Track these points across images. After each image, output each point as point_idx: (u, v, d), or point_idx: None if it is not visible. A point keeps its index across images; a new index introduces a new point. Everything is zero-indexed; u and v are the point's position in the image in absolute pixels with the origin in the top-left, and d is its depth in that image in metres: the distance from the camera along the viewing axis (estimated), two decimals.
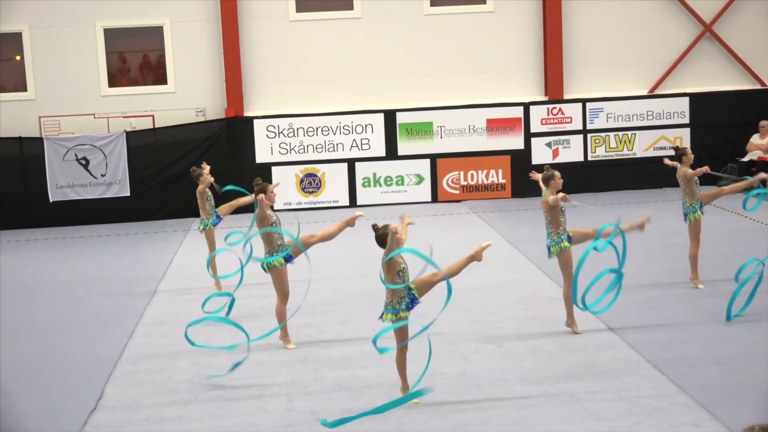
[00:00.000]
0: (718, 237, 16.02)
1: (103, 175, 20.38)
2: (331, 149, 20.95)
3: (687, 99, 21.32)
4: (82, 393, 9.77)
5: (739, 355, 9.91)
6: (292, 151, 20.83)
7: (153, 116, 20.83)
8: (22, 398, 9.72)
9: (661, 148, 21.35)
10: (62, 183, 20.38)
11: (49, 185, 20.33)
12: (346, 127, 20.93)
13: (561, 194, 10.67)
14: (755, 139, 20.82)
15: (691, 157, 12.95)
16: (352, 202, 20.84)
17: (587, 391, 9.09)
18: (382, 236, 8.81)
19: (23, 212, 20.30)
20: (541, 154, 21.11)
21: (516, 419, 8.52)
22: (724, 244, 15.38)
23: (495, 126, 21.07)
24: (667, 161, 13.83)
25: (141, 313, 12.89)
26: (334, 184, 20.93)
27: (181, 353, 10.99)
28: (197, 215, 20.44)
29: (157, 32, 21.00)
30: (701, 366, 9.65)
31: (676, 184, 20.94)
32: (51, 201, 20.34)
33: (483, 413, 8.69)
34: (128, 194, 20.52)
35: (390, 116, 20.90)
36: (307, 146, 20.90)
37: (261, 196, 10.79)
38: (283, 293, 10.96)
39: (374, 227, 8.95)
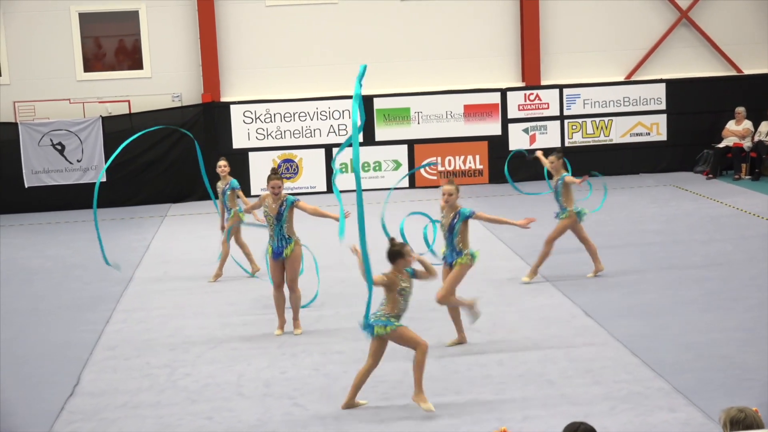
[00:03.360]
0: (694, 223, 16.12)
1: (78, 161, 20.25)
2: (308, 135, 20.90)
3: (663, 85, 21.40)
4: (59, 379, 9.74)
5: (715, 341, 10.00)
6: (269, 136, 20.76)
7: (129, 101, 20.70)
8: None
9: (637, 134, 21.44)
10: (37, 168, 20.23)
11: (24, 171, 20.16)
12: (323, 113, 20.89)
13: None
14: (731, 125, 20.94)
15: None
16: (330, 188, 20.81)
17: (563, 376, 9.14)
18: (398, 254, 8.56)
19: None
20: (518, 139, 21.15)
21: (493, 404, 8.55)
22: (699, 231, 15.47)
23: (472, 112, 21.09)
24: (540, 155, 13.95)
25: (117, 300, 12.84)
26: (312, 170, 20.89)
27: (158, 339, 10.97)
28: (174, 201, 20.53)
29: (132, 17, 20.85)
30: (677, 351, 9.72)
31: (652, 170, 21.21)
32: (26, 186, 20.18)
33: (460, 398, 8.73)
34: (104, 180, 20.38)
35: (367, 102, 20.84)
36: (285, 132, 20.85)
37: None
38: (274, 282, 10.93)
39: (392, 241, 8.64)
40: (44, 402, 9.14)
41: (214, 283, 13.44)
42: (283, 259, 10.76)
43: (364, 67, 8.53)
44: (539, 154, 14.24)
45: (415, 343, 8.50)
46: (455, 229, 10.21)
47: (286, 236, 10.75)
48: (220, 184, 13.68)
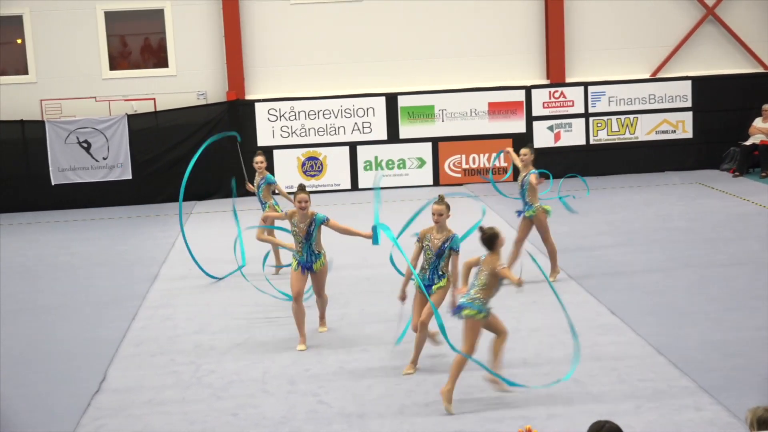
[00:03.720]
0: (720, 221, 16.02)
1: (104, 158, 20.38)
2: (332, 132, 20.93)
3: (689, 82, 21.27)
4: (85, 375, 9.81)
5: (741, 339, 9.94)
6: (294, 134, 20.81)
7: (154, 99, 20.81)
8: (24, 381, 9.77)
9: (663, 132, 21.33)
10: (64, 166, 20.38)
11: (51, 168, 20.32)
12: (347, 111, 20.91)
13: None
14: (758, 122, 20.79)
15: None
16: (354, 186, 20.84)
17: (589, 374, 9.12)
18: (492, 237, 8.64)
19: (25, 195, 20.29)
20: (542, 137, 21.09)
21: (517, 402, 8.55)
22: (725, 229, 15.37)
23: (497, 109, 21.04)
24: (510, 150, 13.98)
25: (143, 296, 12.91)
26: (336, 168, 20.91)
27: (183, 336, 11.03)
28: (199, 198, 20.62)
29: (157, 15, 20.95)
30: (703, 350, 9.67)
31: (678, 168, 21.10)
32: (53, 184, 20.33)
33: (484, 395, 8.72)
34: (130, 177, 20.51)
35: (391, 99, 20.86)
36: (309, 129, 20.89)
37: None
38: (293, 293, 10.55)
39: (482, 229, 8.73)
40: (71, 398, 9.20)
41: (238, 282, 13.48)
42: (312, 272, 10.57)
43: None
44: (509, 149, 14.32)
45: (502, 329, 8.86)
46: (443, 254, 9.43)
47: (315, 252, 10.47)
48: (256, 179, 13.87)
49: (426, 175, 21.00)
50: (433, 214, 9.47)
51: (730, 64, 21.62)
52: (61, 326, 11.77)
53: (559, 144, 21.09)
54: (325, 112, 20.88)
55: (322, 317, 11.00)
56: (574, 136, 21.13)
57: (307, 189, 10.75)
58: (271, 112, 20.78)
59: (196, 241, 16.41)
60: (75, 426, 8.51)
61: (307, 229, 10.32)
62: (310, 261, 10.43)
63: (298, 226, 10.37)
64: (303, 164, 20.71)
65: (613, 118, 21.26)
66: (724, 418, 7.99)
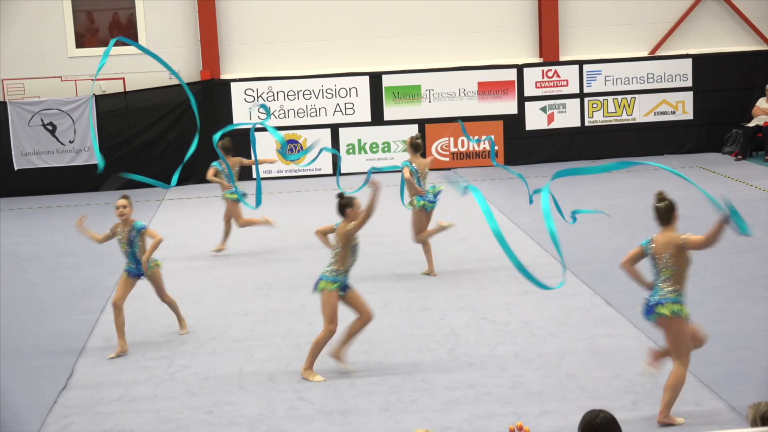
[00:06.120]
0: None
1: (71, 142, 20.29)
2: (313, 114, 20.90)
3: (690, 61, 21.32)
4: (52, 371, 9.80)
5: (743, 331, 9.99)
6: (272, 115, 20.77)
7: (124, 79, 20.71)
8: None
9: (662, 113, 21.39)
10: (28, 150, 20.28)
11: (13, 152, 20.22)
12: (329, 91, 20.88)
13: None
14: (761, 103, 20.86)
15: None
16: (336, 170, 20.81)
17: (583, 368, 9.16)
18: (344, 205, 9.20)
19: None
20: (535, 119, 21.12)
21: (508, 397, 8.58)
22: None
23: (487, 89, 21.05)
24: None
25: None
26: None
27: (155, 330, 11.02)
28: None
29: None
30: None
31: (678, 151, 21.15)
32: (16, 169, 20.24)
33: (474, 391, 8.75)
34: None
35: (376, 79, 20.84)
36: (288, 111, 20.85)
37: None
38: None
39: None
40: (37, 395, 9.19)
41: (212, 273, 13.48)
42: (144, 277, 10.65)
43: None
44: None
45: (365, 311, 9.35)
46: None
47: (140, 258, 10.56)
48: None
49: None
50: None
51: (732, 41, 21.68)
52: (26, 319, 11.74)
53: (552, 126, 21.12)
54: (306, 93, 20.84)
55: (179, 319, 11.01)
56: (568, 117, 21.17)
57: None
58: (248, 92, 20.73)
59: (169, 229, 16.41)
60: (40, 425, 8.50)
61: (128, 236, 10.57)
62: (138, 268, 10.55)
63: (121, 234, 10.63)
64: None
65: (610, 98, 21.30)
66: (724, 413, 8.04)
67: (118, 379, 9.50)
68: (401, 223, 14.41)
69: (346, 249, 9.17)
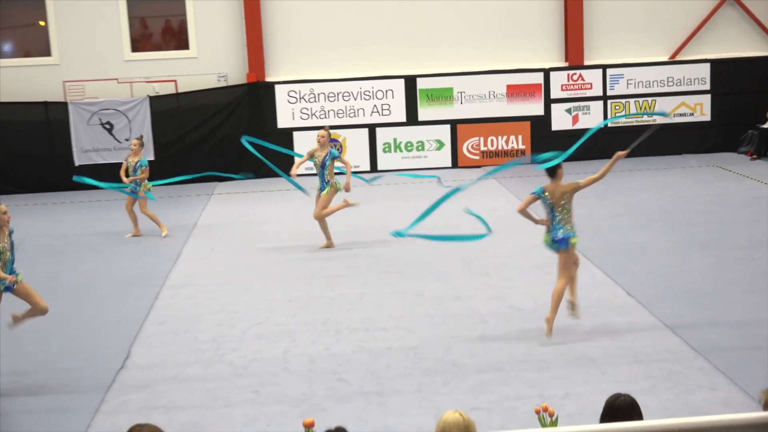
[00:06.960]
0: (738, 204, 16.00)
1: (127, 140, 20.49)
2: (351, 114, 20.99)
3: (708, 65, 21.20)
4: (110, 353, 9.94)
5: (758, 321, 9.95)
6: (314, 116, 20.88)
7: (175, 81, 20.90)
8: (50, 357, 9.90)
9: (681, 114, 21.27)
10: (87, 147, 20.52)
11: (74, 149, 20.47)
12: (366, 93, 20.95)
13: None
14: None
15: None
16: (373, 168, 20.90)
17: (604, 354, 9.17)
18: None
19: (49, 176, 20.46)
20: (561, 120, 21.08)
21: (534, 381, 8.61)
22: (743, 212, 15.36)
23: (515, 92, 21.03)
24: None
25: (166, 275, 13.04)
26: (355, 150, 20.98)
27: (206, 315, 11.14)
28: (220, 180, 20.73)
29: None
30: (718, 330, 9.70)
31: (696, 151, 21.03)
32: (76, 165, 20.48)
33: (502, 374, 8.80)
34: (152, 158, 20.63)
35: (410, 82, 20.89)
36: (328, 111, 20.95)
37: None
38: None
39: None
40: (95, 375, 9.32)
41: (258, 262, 13.59)
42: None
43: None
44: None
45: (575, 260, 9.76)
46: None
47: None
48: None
49: (444, 157, 21.05)
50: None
51: (749, 47, 21.52)
52: (86, 305, 11.89)
53: (577, 126, 21.07)
54: (345, 94, 20.92)
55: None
56: (592, 118, 21.12)
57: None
58: (291, 94, 20.85)
59: (219, 221, 16.56)
60: (100, 402, 8.63)
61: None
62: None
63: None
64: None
65: (632, 100, 21.21)
66: (739, 398, 8.02)
67: (172, 361, 9.62)
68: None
69: (571, 204, 9.54)
